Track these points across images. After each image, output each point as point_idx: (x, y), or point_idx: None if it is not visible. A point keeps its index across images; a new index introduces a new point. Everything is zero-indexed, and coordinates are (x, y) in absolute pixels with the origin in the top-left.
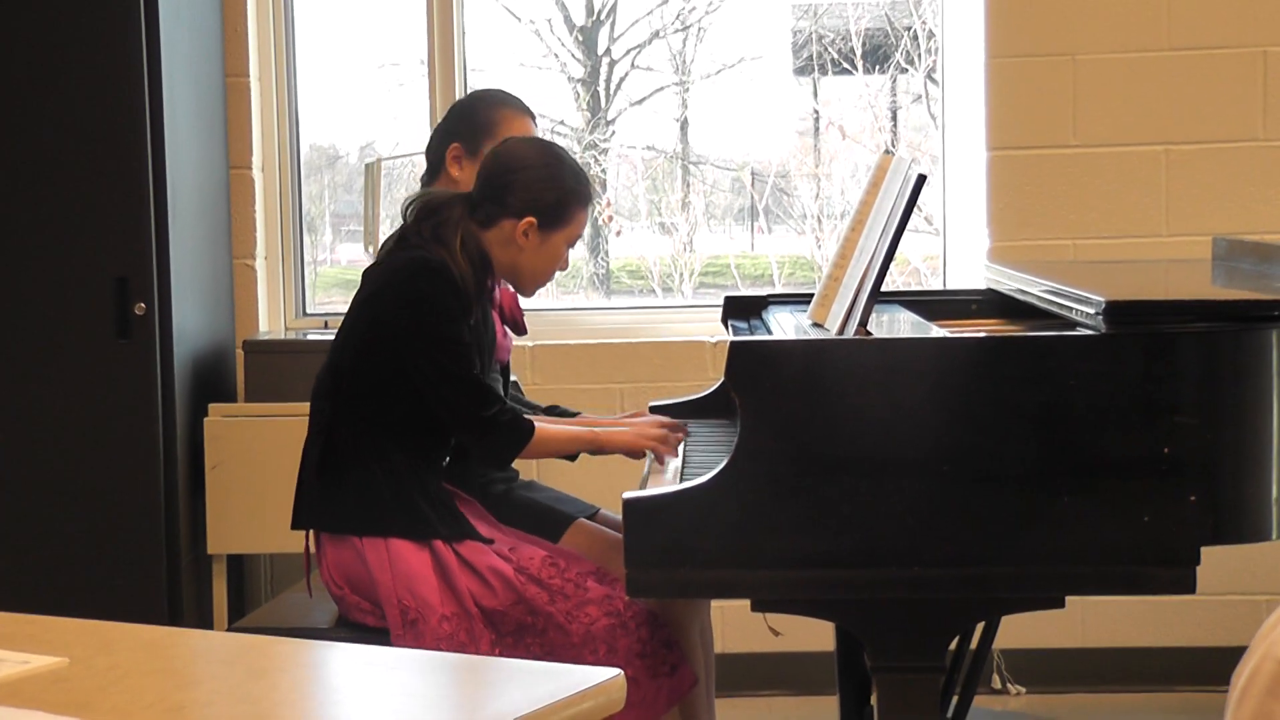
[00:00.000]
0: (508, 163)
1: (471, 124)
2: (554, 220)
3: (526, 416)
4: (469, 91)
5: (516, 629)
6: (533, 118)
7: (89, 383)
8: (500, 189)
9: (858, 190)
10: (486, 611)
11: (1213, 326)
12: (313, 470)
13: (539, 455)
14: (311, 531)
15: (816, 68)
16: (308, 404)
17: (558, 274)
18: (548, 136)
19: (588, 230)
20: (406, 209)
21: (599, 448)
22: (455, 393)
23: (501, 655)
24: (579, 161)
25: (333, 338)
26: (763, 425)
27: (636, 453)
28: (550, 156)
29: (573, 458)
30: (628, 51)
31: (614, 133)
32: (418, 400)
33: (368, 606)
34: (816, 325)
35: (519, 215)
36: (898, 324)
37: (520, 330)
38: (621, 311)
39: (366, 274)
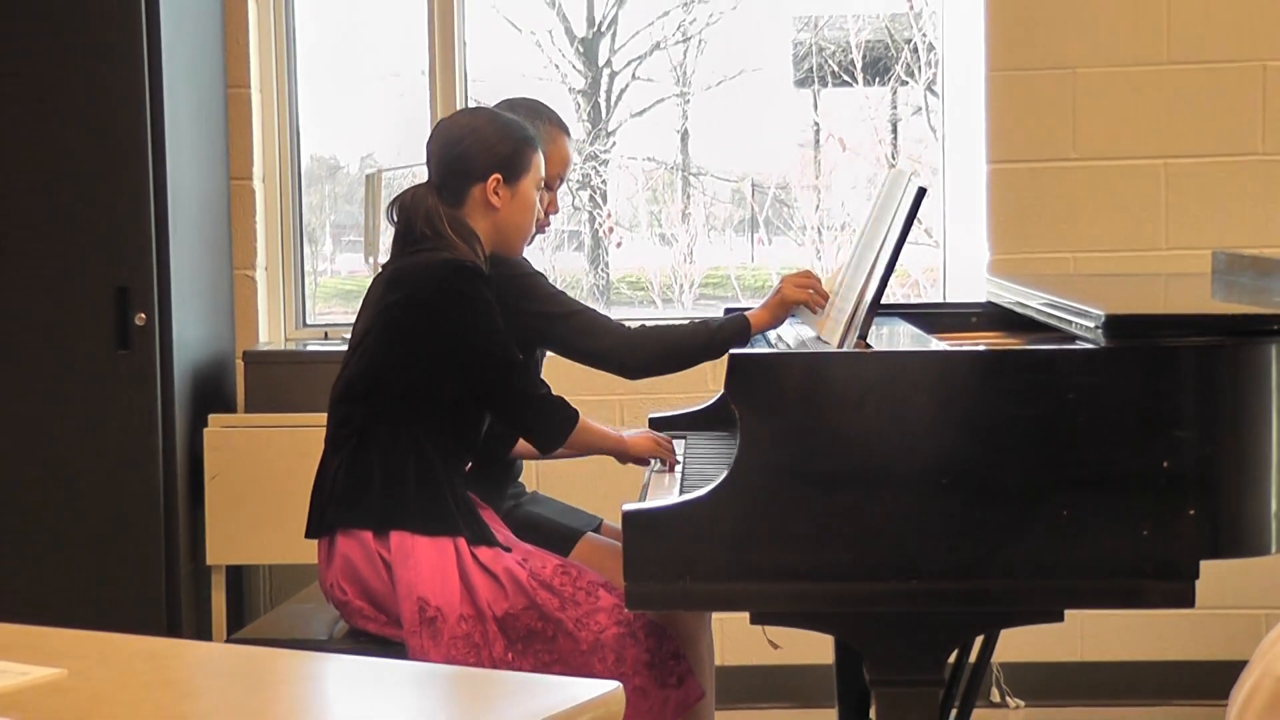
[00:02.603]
0: (453, 136)
1: None
2: (516, 169)
3: None
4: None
5: (526, 634)
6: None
7: (89, 393)
8: (456, 160)
9: (858, 202)
10: (499, 617)
11: (1212, 341)
12: (339, 472)
13: (576, 446)
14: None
15: (817, 80)
16: (307, 414)
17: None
18: None
19: (588, 240)
20: (389, 212)
21: (623, 452)
22: (510, 378)
23: (512, 660)
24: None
25: (341, 345)
26: (762, 437)
27: (646, 460)
28: (488, 116)
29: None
30: (628, 63)
31: (614, 144)
32: (453, 399)
33: (370, 612)
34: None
35: (484, 176)
36: (897, 337)
37: None
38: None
39: (390, 280)
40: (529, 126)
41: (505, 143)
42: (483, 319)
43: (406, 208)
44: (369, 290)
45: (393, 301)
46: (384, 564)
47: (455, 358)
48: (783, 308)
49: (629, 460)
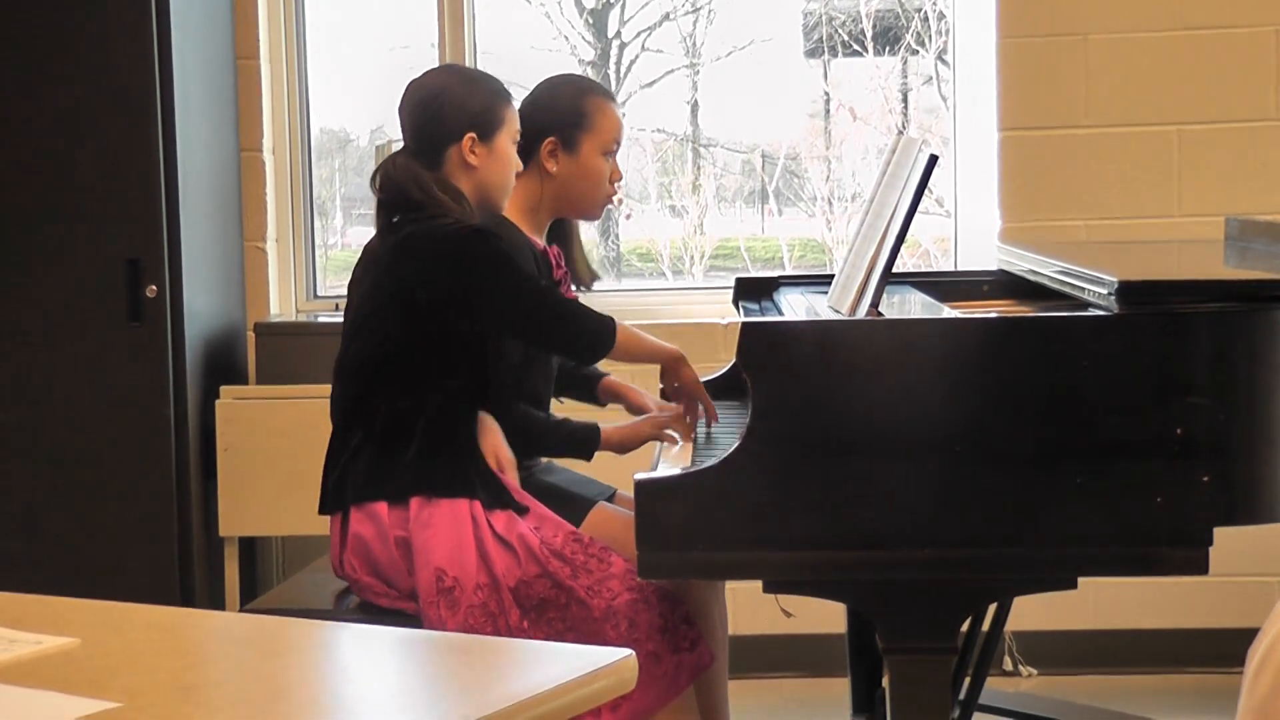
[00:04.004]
0: (424, 97)
1: (563, 115)
2: (490, 125)
3: None
4: (546, 79)
5: (539, 603)
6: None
7: (101, 365)
8: (430, 123)
9: (869, 172)
10: (513, 586)
11: (1225, 307)
12: (365, 447)
13: (625, 353)
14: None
15: (827, 49)
16: (319, 386)
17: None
18: None
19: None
20: (372, 182)
21: (678, 362)
22: (545, 308)
23: (527, 628)
24: None
25: (354, 317)
26: (774, 406)
27: (694, 394)
28: (456, 73)
29: (589, 456)
30: (638, 34)
31: (624, 115)
32: (476, 359)
33: (381, 588)
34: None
35: (459, 136)
36: (909, 305)
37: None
38: (632, 294)
39: (397, 249)
40: (499, 83)
41: (476, 100)
42: (505, 274)
43: (392, 176)
44: (362, 259)
45: (406, 274)
46: (395, 541)
47: (493, 318)
48: (635, 436)
49: (677, 383)
